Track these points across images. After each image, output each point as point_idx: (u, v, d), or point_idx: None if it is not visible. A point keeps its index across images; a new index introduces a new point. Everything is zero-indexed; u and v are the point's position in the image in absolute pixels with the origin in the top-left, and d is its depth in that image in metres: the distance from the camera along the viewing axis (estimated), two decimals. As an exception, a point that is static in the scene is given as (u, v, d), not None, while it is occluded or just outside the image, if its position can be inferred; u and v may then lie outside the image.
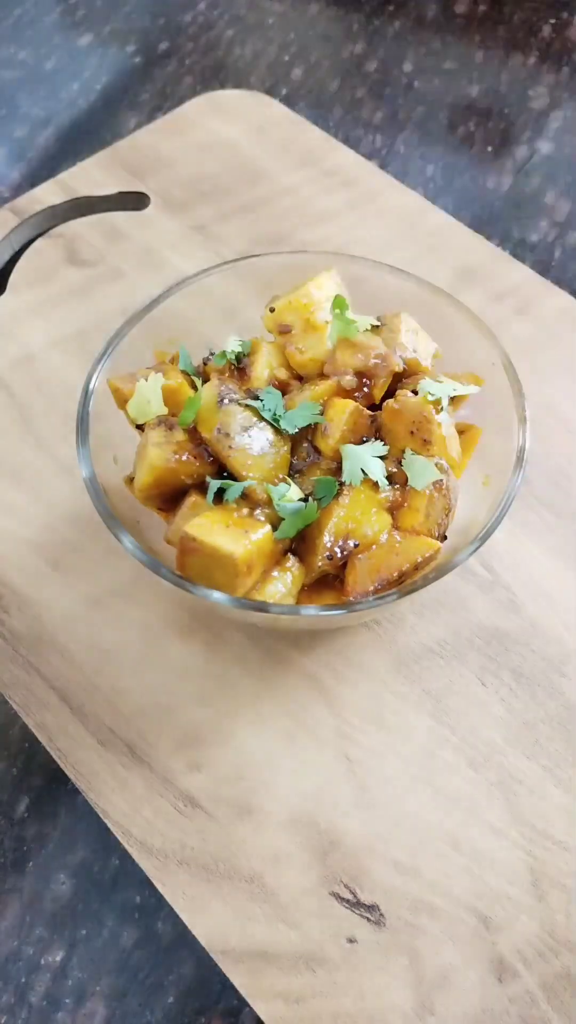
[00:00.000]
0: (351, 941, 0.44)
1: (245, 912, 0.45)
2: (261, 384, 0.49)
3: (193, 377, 0.50)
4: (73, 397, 0.60)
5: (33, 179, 0.78)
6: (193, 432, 0.47)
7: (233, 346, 0.50)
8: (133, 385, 0.48)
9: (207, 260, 0.67)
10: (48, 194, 0.71)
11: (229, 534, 0.43)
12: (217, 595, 0.42)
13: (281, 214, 0.69)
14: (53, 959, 0.47)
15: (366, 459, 0.46)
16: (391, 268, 0.53)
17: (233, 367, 0.50)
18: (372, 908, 0.45)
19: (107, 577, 0.53)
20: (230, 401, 0.46)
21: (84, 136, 0.81)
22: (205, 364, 0.51)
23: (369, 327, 0.50)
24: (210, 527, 0.43)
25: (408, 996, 0.43)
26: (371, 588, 0.44)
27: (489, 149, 0.79)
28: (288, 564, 0.45)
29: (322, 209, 0.70)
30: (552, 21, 0.88)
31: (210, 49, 0.88)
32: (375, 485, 0.46)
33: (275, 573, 0.45)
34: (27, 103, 0.84)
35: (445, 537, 0.47)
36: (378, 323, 0.50)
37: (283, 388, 0.49)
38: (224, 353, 0.49)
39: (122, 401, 0.49)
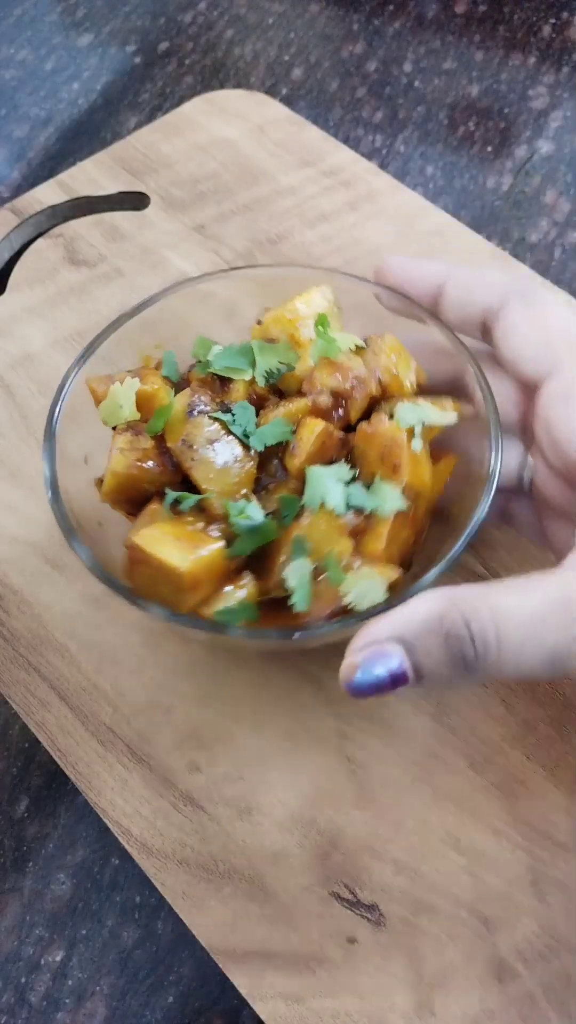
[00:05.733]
0: (351, 941, 0.44)
1: (245, 912, 0.45)
2: (239, 397, 0.48)
3: (172, 384, 0.49)
4: (73, 397, 0.60)
5: (33, 179, 0.78)
6: (160, 440, 0.46)
7: (216, 356, 0.49)
8: (109, 387, 0.48)
9: (207, 260, 0.67)
10: (48, 194, 0.71)
11: (177, 547, 0.42)
12: (157, 609, 0.41)
13: (281, 214, 0.69)
14: (53, 959, 0.47)
15: (327, 483, 0.44)
16: (374, 285, 0.51)
17: (215, 377, 0.49)
18: (372, 908, 0.45)
19: (107, 577, 0.53)
20: (199, 412, 0.45)
21: (84, 136, 0.81)
22: (190, 371, 0.51)
23: (353, 347, 0.48)
24: (159, 538, 0.42)
25: (408, 996, 0.43)
26: (327, 612, 0.43)
27: (489, 149, 0.78)
28: (243, 582, 0.44)
29: (322, 209, 0.70)
30: (552, 21, 0.88)
31: (210, 49, 0.88)
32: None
33: (227, 589, 0.43)
34: (27, 103, 0.84)
35: (411, 565, 0.46)
36: (363, 344, 0.49)
37: (261, 403, 0.48)
38: (207, 362, 0.49)
39: (99, 402, 0.48)
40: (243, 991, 0.43)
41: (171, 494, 0.44)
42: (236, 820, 0.47)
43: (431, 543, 0.47)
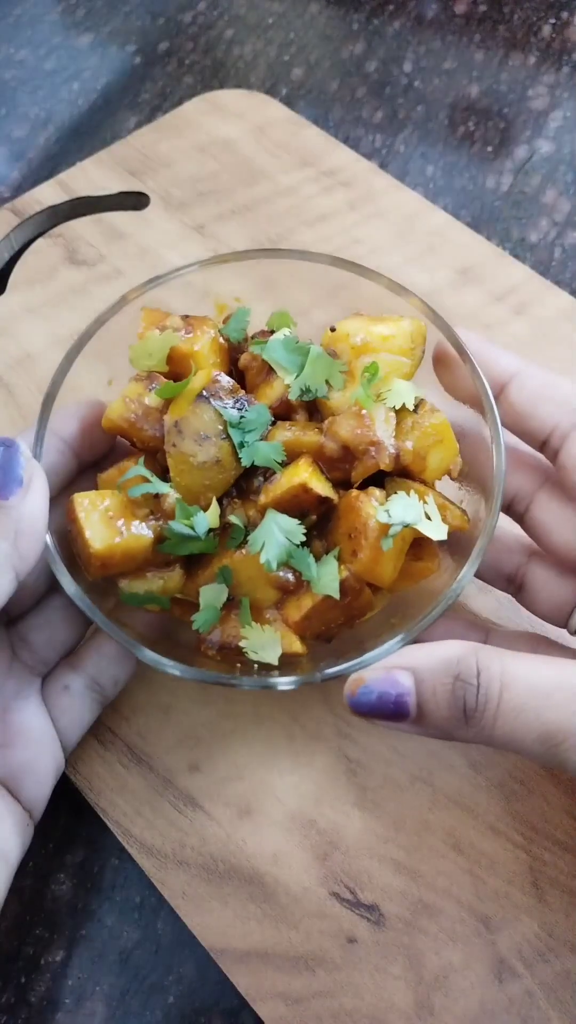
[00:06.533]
0: (351, 941, 0.44)
1: (245, 912, 0.45)
2: (272, 395, 0.45)
3: (230, 343, 0.47)
4: (73, 397, 0.60)
5: (33, 179, 0.78)
6: (167, 405, 0.44)
7: (271, 344, 0.46)
8: (158, 325, 0.46)
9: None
10: (48, 194, 0.71)
11: (103, 524, 0.42)
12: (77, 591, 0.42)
13: (281, 214, 0.69)
14: (53, 959, 0.47)
15: (275, 535, 0.42)
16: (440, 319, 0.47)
17: (265, 363, 0.46)
18: (372, 908, 0.45)
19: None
20: (210, 399, 0.43)
21: (84, 136, 0.81)
22: (250, 339, 0.48)
23: (400, 405, 0.43)
24: (94, 506, 0.42)
25: (408, 996, 0.43)
26: (220, 642, 0.43)
27: (489, 149, 0.78)
28: (167, 574, 0.44)
29: (322, 209, 0.70)
30: (552, 21, 0.88)
31: (210, 49, 0.88)
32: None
33: (149, 575, 0.44)
34: (27, 103, 0.84)
35: (330, 640, 0.45)
36: (415, 405, 0.44)
37: (288, 411, 0.45)
38: (261, 341, 0.46)
39: (144, 333, 0.47)
40: (243, 991, 0.43)
41: (135, 470, 0.44)
42: (236, 820, 0.47)
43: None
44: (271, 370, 0.45)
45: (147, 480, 0.43)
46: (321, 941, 0.44)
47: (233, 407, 0.43)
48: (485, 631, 0.48)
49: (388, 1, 0.91)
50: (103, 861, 0.49)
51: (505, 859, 0.45)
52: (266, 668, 0.43)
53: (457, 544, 0.44)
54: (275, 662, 0.43)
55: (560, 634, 0.48)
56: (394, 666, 0.37)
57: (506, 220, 0.73)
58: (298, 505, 0.43)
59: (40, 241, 0.69)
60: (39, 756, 0.44)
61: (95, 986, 0.46)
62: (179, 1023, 0.45)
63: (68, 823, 0.50)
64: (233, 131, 0.75)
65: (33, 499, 0.40)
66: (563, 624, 0.46)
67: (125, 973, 0.46)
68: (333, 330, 0.46)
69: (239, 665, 0.44)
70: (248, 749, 0.48)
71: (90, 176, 0.72)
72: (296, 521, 0.42)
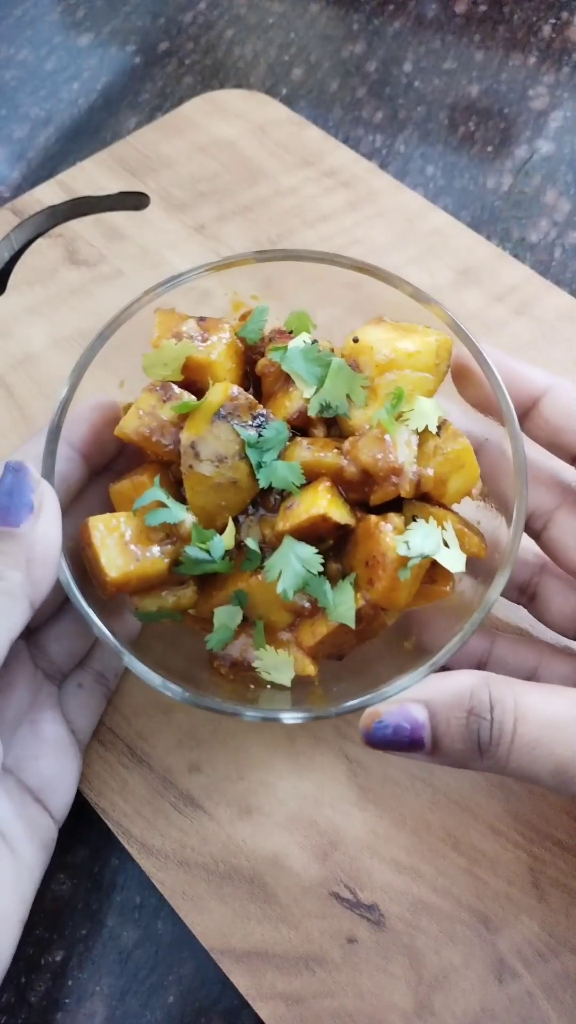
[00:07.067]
0: (351, 941, 0.44)
1: (245, 912, 0.45)
2: (290, 406, 0.44)
3: (247, 344, 0.46)
4: (78, 398, 0.60)
5: (33, 179, 0.78)
6: (182, 419, 0.43)
7: (291, 353, 0.44)
8: (173, 330, 0.44)
9: (207, 260, 0.67)
10: (48, 194, 0.71)
11: (119, 552, 0.41)
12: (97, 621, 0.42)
13: (281, 214, 0.69)
14: (53, 959, 0.47)
15: (293, 565, 0.41)
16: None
17: (282, 373, 0.44)
18: (372, 908, 0.45)
19: (107, 577, 0.53)
20: (228, 418, 0.42)
21: (84, 136, 0.81)
22: (269, 339, 0.46)
23: (423, 427, 0.42)
24: (109, 531, 0.42)
25: (408, 996, 0.43)
26: (233, 659, 0.44)
27: (489, 149, 0.78)
28: (183, 590, 0.44)
29: (322, 209, 0.70)
30: (552, 21, 0.88)
31: (210, 49, 0.88)
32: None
33: (164, 593, 0.44)
34: (27, 103, 0.84)
35: (341, 658, 0.45)
36: (438, 425, 0.42)
37: (306, 425, 0.44)
38: (283, 350, 0.44)
39: (159, 336, 0.46)
40: (243, 991, 0.43)
41: (151, 493, 0.42)
42: (236, 820, 0.47)
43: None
44: (289, 378, 0.44)
45: (163, 504, 0.42)
46: (321, 941, 0.44)
47: (251, 426, 0.42)
48: (491, 637, 0.48)
49: (388, 1, 0.91)
50: (103, 861, 0.49)
51: (505, 859, 0.45)
52: (277, 687, 0.44)
53: (472, 562, 0.43)
54: (288, 684, 0.43)
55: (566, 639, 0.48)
56: (408, 699, 0.37)
57: (506, 220, 0.73)
58: (316, 532, 0.42)
59: (40, 241, 0.69)
60: (67, 764, 0.45)
61: (95, 986, 0.46)
62: (179, 1023, 0.45)
63: (68, 823, 0.50)
64: (233, 131, 0.75)
65: (45, 525, 0.38)
66: (573, 636, 0.46)
67: (125, 973, 0.46)
68: (356, 341, 0.44)
69: (252, 686, 0.44)
70: (248, 749, 0.49)
71: (90, 176, 0.72)
72: (314, 550, 0.42)
